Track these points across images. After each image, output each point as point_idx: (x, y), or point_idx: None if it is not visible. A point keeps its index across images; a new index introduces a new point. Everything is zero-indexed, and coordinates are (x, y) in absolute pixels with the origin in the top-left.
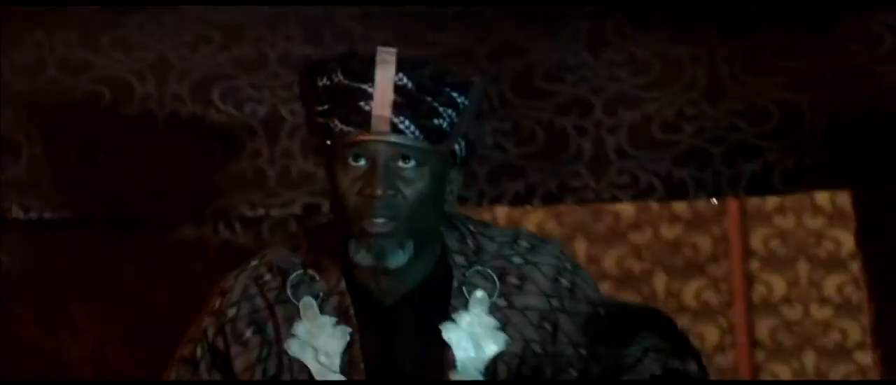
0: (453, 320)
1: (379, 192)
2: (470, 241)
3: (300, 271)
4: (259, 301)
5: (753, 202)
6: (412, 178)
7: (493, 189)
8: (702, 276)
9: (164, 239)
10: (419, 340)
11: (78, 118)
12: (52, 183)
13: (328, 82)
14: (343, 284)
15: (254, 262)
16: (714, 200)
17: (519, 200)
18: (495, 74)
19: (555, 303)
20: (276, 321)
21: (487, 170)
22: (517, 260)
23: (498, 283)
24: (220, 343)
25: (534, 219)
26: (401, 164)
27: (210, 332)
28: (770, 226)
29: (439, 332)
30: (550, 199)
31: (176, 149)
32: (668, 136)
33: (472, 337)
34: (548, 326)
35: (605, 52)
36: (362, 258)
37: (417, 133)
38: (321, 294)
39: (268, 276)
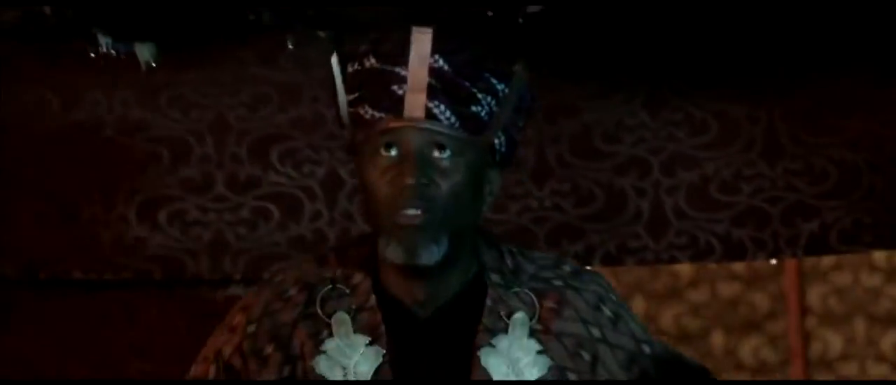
0: (491, 344)
1: (411, 180)
2: (509, 261)
3: (329, 286)
4: (282, 317)
5: (810, 260)
6: (448, 170)
7: (553, 250)
8: (759, 334)
9: (221, 299)
10: (453, 363)
11: (136, 178)
12: (111, 243)
13: (359, 67)
14: (374, 300)
15: (278, 278)
16: (773, 261)
17: (579, 262)
18: (553, 135)
19: (595, 332)
20: (301, 337)
21: (546, 231)
22: (557, 283)
23: (537, 305)
24: (236, 361)
25: None
26: (436, 153)
27: (226, 351)
28: (827, 284)
29: (470, 355)
30: (610, 260)
31: (234, 209)
32: (726, 197)
33: (512, 362)
34: (585, 356)
35: (663, 112)
36: (392, 253)
37: (453, 120)
38: (352, 310)
39: (293, 291)
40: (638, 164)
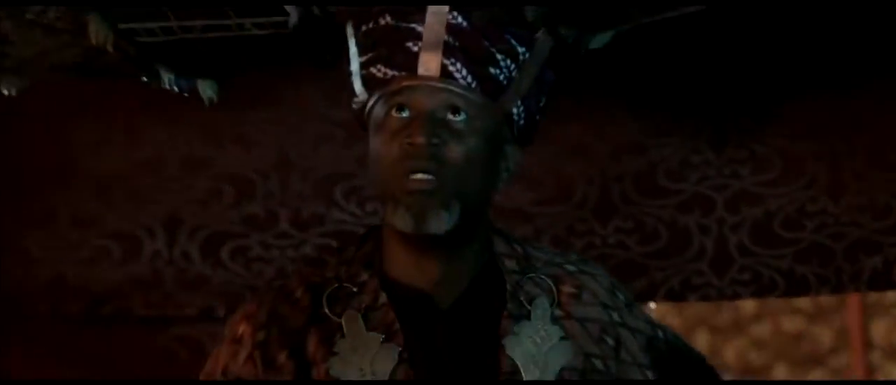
0: (514, 332)
1: (421, 139)
2: (518, 248)
3: (335, 285)
4: (292, 322)
5: (874, 295)
6: (462, 132)
7: None
8: (823, 369)
9: None
10: (477, 354)
11: (199, 215)
12: (174, 280)
13: (373, 25)
14: (384, 297)
15: (278, 283)
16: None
17: (642, 298)
18: (618, 173)
19: (615, 316)
20: (313, 342)
21: (610, 267)
22: (571, 268)
23: (555, 291)
24: (247, 372)
25: (657, 311)
26: (450, 115)
27: (234, 365)
28: (890, 318)
29: (496, 343)
30: (673, 296)
31: (297, 246)
32: (789, 233)
33: (538, 350)
34: (609, 341)
35: (727, 149)
36: (399, 220)
37: (470, 80)
38: (363, 308)
39: (299, 293)
40: (702, 201)
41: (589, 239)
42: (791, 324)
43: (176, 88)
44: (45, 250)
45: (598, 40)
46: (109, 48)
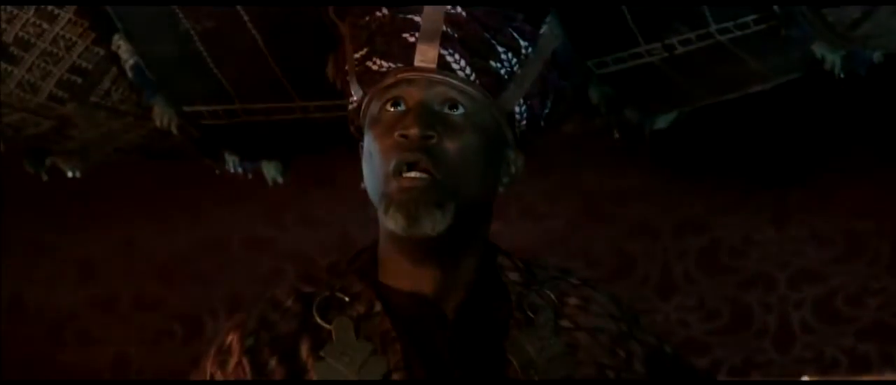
0: (520, 343)
1: (414, 130)
2: (520, 263)
3: (327, 294)
4: (282, 328)
5: None
6: (459, 127)
7: None
8: None
9: None
10: (479, 363)
11: (262, 294)
12: None
13: (369, 19)
14: (379, 306)
15: (267, 295)
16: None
17: (704, 375)
18: (680, 250)
19: (624, 327)
20: (304, 349)
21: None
22: (575, 281)
23: (559, 303)
24: (236, 380)
25: None
26: (447, 110)
27: (221, 374)
28: None
29: (502, 352)
30: (735, 373)
31: None
32: (852, 311)
33: (539, 358)
34: (621, 352)
35: (789, 227)
36: (391, 220)
37: (469, 72)
38: (354, 318)
39: (289, 302)
40: (764, 278)
41: (651, 316)
42: None
43: (239, 170)
44: (108, 330)
45: (663, 120)
46: (174, 130)
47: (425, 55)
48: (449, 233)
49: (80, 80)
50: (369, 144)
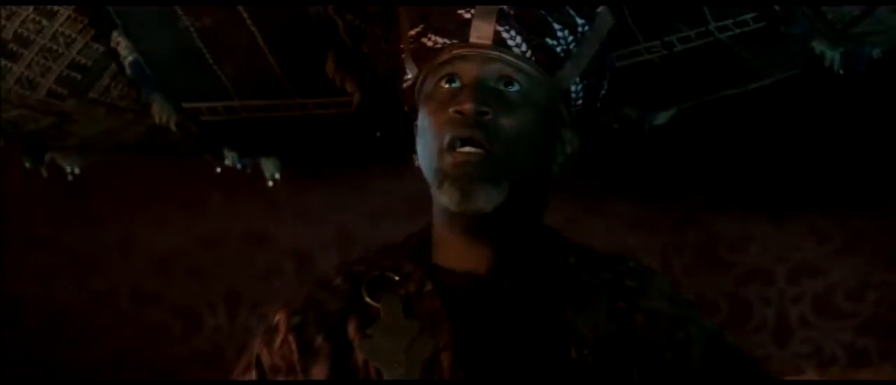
0: (572, 322)
1: (469, 105)
2: (575, 246)
3: (377, 273)
4: (329, 306)
5: None
6: (514, 104)
7: None
8: None
9: None
10: (535, 343)
11: (259, 289)
12: (236, 354)
13: None
14: (430, 285)
15: (316, 276)
16: None
17: None
18: (678, 245)
19: (683, 311)
20: (352, 327)
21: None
22: (632, 264)
23: (616, 285)
24: (281, 357)
25: None
26: (502, 86)
27: (266, 353)
28: None
29: (559, 332)
30: None
31: None
32: (851, 306)
33: (596, 340)
34: (679, 335)
35: (788, 221)
36: (445, 196)
37: (525, 49)
38: (404, 297)
39: (338, 280)
40: (763, 273)
41: None
42: None
43: (238, 166)
44: (106, 326)
45: (661, 117)
46: (173, 127)
47: (481, 31)
48: (503, 210)
49: (79, 77)
50: (423, 121)
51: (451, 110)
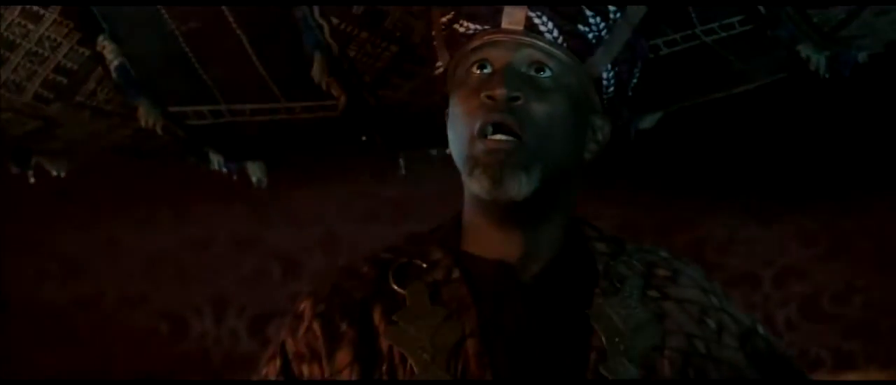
0: (603, 311)
1: (501, 90)
2: (607, 234)
3: (404, 260)
4: (355, 294)
5: None
6: (546, 90)
7: None
8: None
9: None
10: (562, 330)
11: (246, 293)
12: (222, 358)
13: None
14: (457, 272)
15: (343, 263)
16: None
17: None
18: (665, 248)
19: (714, 300)
20: (377, 314)
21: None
22: (663, 254)
23: (647, 273)
24: (306, 343)
25: None
26: (534, 72)
27: (291, 341)
28: None
29: (585, 319)
30: None
31: None
32: (837, 309)
33: (624, 327)
34: (711, 323)
35: (774, 225)
36: (476, 183)
37: (557, 35)
38: (431, 284)
39: (365, 268)
40: (749, 277)
41: None
42: None
43: (225, 170)
44: (93, 329)
45: (648, 121)
46: (159, 131)
47: (513, 17)
48: (534, 197)
49: (65, 81)
50: (454, 107)
51: (482, 95)
